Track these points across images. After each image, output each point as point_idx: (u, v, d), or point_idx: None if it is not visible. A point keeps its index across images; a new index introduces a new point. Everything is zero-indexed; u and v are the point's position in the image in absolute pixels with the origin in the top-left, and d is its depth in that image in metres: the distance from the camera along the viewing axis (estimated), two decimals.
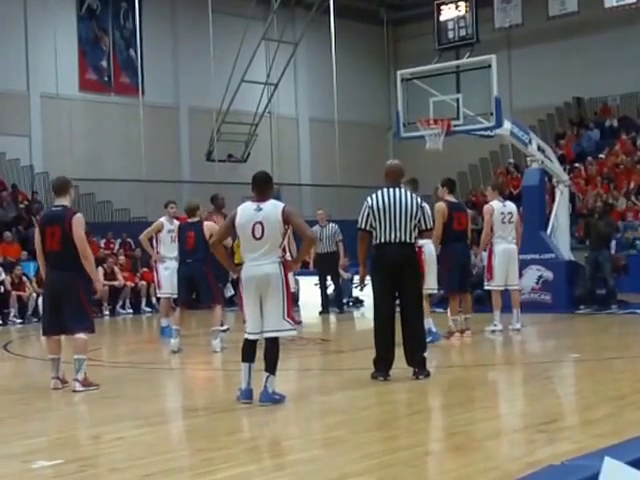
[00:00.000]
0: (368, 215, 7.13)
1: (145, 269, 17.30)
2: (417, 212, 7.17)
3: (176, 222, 11.02)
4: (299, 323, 12.74)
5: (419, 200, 7.34)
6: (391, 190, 7.19)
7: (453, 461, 4.56)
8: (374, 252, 7.21)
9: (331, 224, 15.24)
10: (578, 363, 8.34)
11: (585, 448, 4.36)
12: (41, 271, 7.50)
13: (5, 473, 4.53)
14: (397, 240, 7.08)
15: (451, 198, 10.34)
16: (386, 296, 7.16)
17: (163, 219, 11.20)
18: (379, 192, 7.20)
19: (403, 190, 7.27)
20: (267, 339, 6.19)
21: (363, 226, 7.16)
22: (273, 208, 6.20)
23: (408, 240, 7.15)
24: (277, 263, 6.17)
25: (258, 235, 6.14)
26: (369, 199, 7.19)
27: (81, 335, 7.07)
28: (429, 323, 9.45)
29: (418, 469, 4.46)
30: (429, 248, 9.62)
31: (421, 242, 9.24)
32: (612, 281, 13.40)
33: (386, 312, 7.17)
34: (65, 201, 7.20)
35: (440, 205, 10.09)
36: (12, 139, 20.34)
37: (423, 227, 7.25)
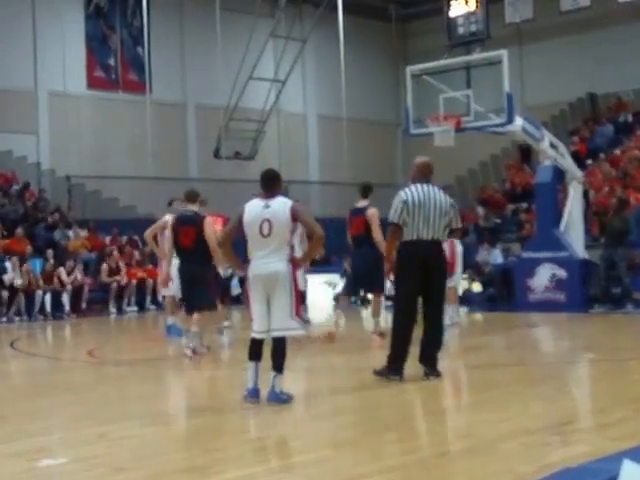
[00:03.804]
0: (402, 210, 6.95)
1: (150, 266, 17.25)
2: (450, 210, 7.05)
3: None
4: (307, 322, 12.67)
5: (451, 198, 7.24)
6: (425, 186, 7.05)
7: (466, 463, 4.46)
8: (402, 249, 7.04)
9: None
10: (593, 364, 8.24)
11: (600, 451, 4.27)
12: (166, 262, 9.28)
13: (11, 472, 4.48)
14: (429, 237, 6.95)
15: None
16: (413, 295, 7.02)
17: (168, 216, 11.12)
18: (412, 188, 7.05)
19: (436, 187, 7.14)
20: (274, 338, 6.09)
21: (396, 220, 6.97)
22: (281, 205, 6.12)
23: (440, 238, 7.04)
24: (285, 261, 6.07)
25: (266, 232, 6.05)
26: (403, 194, 7.02)
27: (200, 314, 8.76)
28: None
29: (430, 471, 4.37)
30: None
31: None
32: (627, 279, 13.23)
33: (411, 311, 7.05)
34: (195, 207, 8.88)
35: None
36: (19, 137, 20.35)
37: (454, 225, 7.12)
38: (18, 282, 15.46)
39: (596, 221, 16.16)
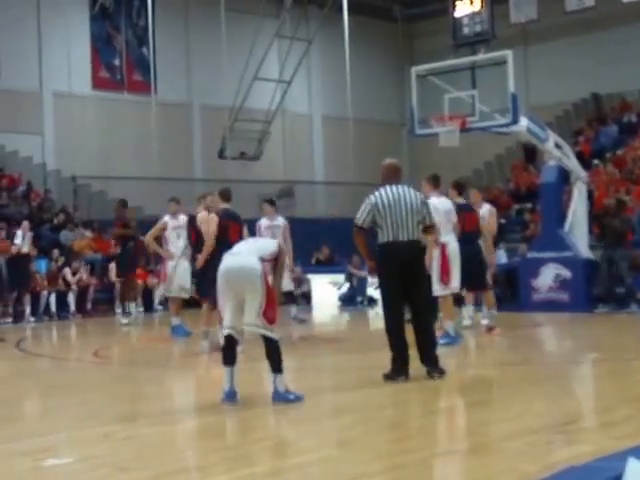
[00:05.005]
0: (369, 213, 7.00)
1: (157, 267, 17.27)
2: (422, 207, 7.09)
3: (182, 217, 10.95)
4: (303, 321, 12.64)
5: (422, 196, 7.30)
6: (394, 187, 7.09)
7: (469, 462, 4.47)
8: (380, 251, 7.07)
9: None
10: (597, 363, 8.21)
11: (604, 450, 4.25)
12: (205, 254, 8.96)
13: (16, 471, 4.50)
14: (406, 238, 6.98)
15: (460, 200, 10.25)
16: (397, 296, 7.04)
17: (166, 217, 11.15)
18: (382, 190, 7.09)
19: (406, 187, 7.18)
20: (265, 339, 6.06)
21: (360, 223, 7.03)
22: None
23: (415, 237, 7.06)
24: (256, 257, 6.07)
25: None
26: (372, 197, 7.07)
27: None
28: (448, 326, 9.32)
29: (433, 470, 4.38)
30: (453, 246, 9.47)
31: (444, 240, 9.11)
32: (629, 279, 13.21)
33: (397, 311, 7.08)
34: (230, 205, 9.15)
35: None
36: (25, 137, 20.38)
37: (427, 222, 7.16)
38: (25, 249, 15.48)
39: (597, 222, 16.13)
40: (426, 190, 9.26)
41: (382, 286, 7.19)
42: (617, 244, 13.45)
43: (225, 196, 9.19)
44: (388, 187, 7.08)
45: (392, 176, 7.18)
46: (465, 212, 10.13)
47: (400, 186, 7.11)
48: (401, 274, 6.97)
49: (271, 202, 11.62)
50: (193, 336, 10.14)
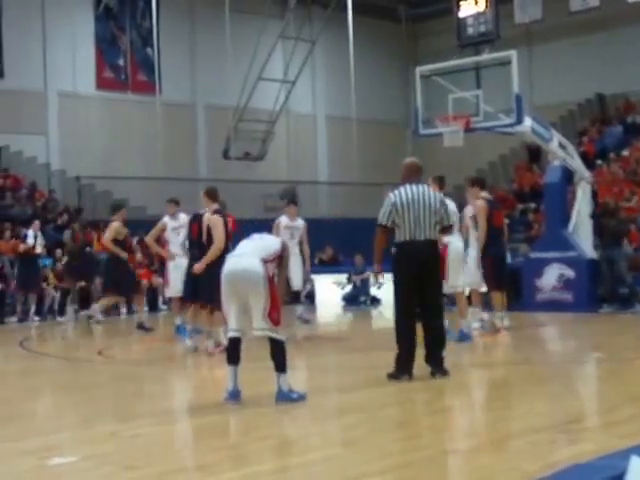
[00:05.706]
0: (391, 212, 6.99)
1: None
2: (440, 208, 7.08)
3: (182, 216, 10.94)
4: (307, 322, 12.66)
5: (441, 196, 7.28)
6: (414, 187, 7.08)
7: (473, 461, 4.48)
8: (397, 250, 7.08)
9: None
10: (600, 363, 8.22)
11: (607, 449, 4.26)
12: (214, 256, 8.70)
13: (21, 470, 4.52)
14: (423, 237, 6.98)
15: (486, 195, 10.24)
16: (411, 294, 7.04)
17: (166, 218, 11.17)
18: (402, 189, 7.07)
19: (426, 186, 7.19)
20: (270, 340, 6.07)
21: (384, 222, 7.02)
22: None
23: (433, 237, 7.05)
24: (258, 260, 6.07)
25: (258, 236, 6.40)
26: (392, 195, 7.06)
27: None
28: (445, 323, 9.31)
29: (437, 469, 4.38)
30: (456, 246, 9.46)
31: (446, 240, 9.11)
32: (629, 279, 13.21)
33: (410, 311, 7.07)
34: (218, 204, 8.95)
35: (482, 204, 9.95)
36: (29, 137, 20.44)
37: (445, 223, 7.14)
38: (38, 249, 15.51)
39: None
40: (433, 190, 9.23)
41: (397, 284, 7.13)
42: (614, 244, 13.47)
43: (214, 195, 8.99)
44: (408, 186, 7.07)
45: (412, 175, 7.16)
46: (493, 209, 10.11)
47: (420, 185, 7.10)
48: (417, 273, 6.96)
49: (295, 203, 11.69)
50: (196, 336, 10.14)
